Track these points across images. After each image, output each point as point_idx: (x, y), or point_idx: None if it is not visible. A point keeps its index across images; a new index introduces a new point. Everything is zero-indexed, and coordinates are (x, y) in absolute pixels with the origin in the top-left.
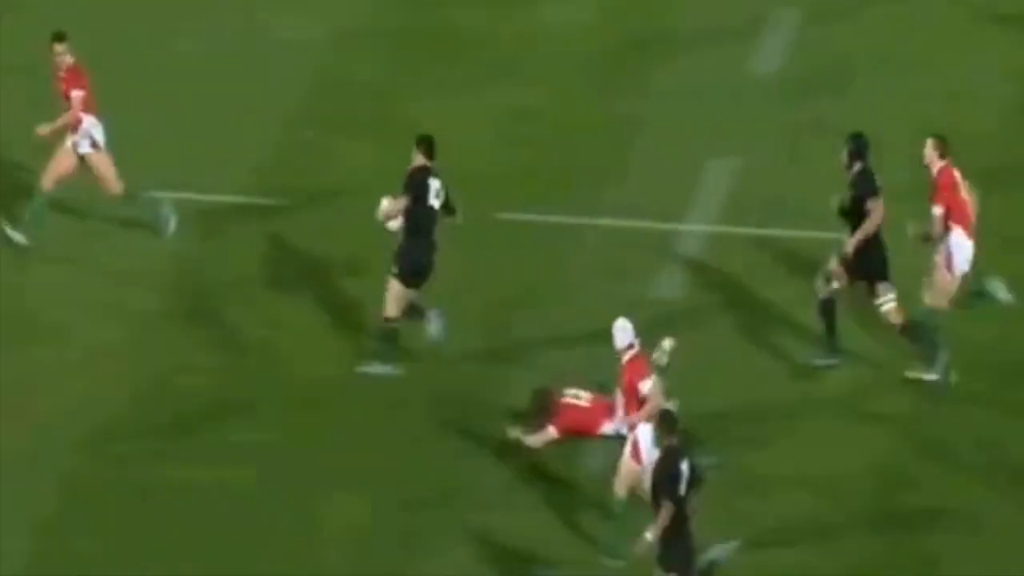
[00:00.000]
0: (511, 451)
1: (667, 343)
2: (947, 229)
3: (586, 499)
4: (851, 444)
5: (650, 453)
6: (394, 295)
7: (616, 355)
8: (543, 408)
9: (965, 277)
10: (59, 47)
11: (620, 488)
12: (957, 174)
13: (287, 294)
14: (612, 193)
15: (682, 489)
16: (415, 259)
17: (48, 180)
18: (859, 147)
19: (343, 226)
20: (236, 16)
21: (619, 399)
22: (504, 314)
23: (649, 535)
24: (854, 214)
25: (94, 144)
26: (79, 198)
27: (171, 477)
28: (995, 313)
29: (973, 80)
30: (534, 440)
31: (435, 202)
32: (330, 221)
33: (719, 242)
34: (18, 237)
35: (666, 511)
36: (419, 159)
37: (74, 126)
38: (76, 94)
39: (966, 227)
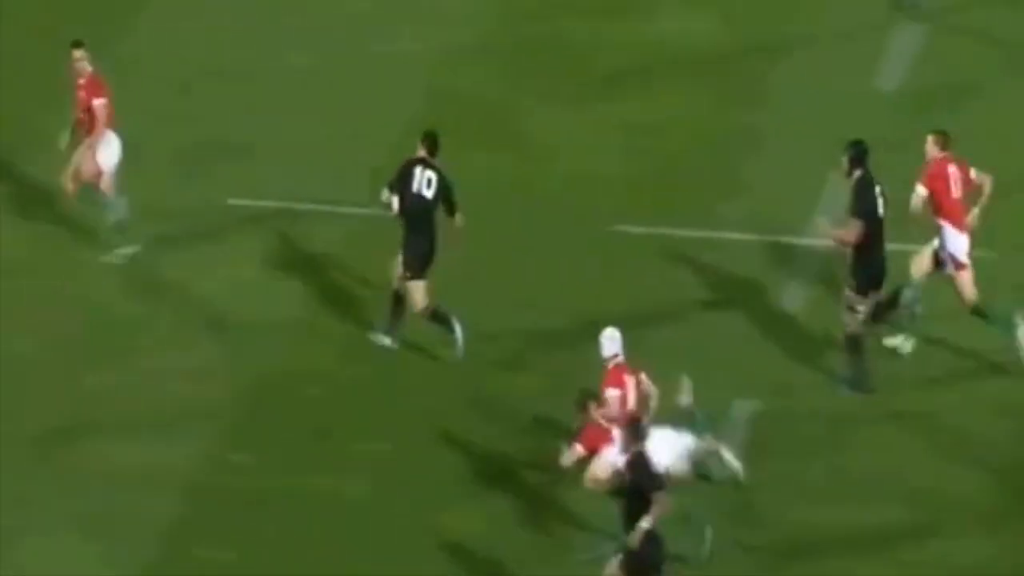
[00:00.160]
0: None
1: (686, 382)
2: (937, 222)
3: None
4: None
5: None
6: (417, 293)
7: (602, 363)
8: (581, 408)
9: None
10: (77, 53)
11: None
12: (954, 170)
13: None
14: (730, 206)
15: (654, 491)
16: (416, 251)
17: (69, 182)
18: (858, 154)
19: (463, 233)
20: (348, 30)
21: (652, 432)
22: (618, 327)
23: (645, 523)
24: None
25: (95, 152)
26: (189, 209)
27: (289, 486)
28: None
29: None
30: (564, 459)
31: (426, 192)
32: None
33: (839, 255)
34: (125, 251)
35: (662, 502)
36: (420, 150)
37: (88, 130)
38: (99, 102)
39: (955, 222)
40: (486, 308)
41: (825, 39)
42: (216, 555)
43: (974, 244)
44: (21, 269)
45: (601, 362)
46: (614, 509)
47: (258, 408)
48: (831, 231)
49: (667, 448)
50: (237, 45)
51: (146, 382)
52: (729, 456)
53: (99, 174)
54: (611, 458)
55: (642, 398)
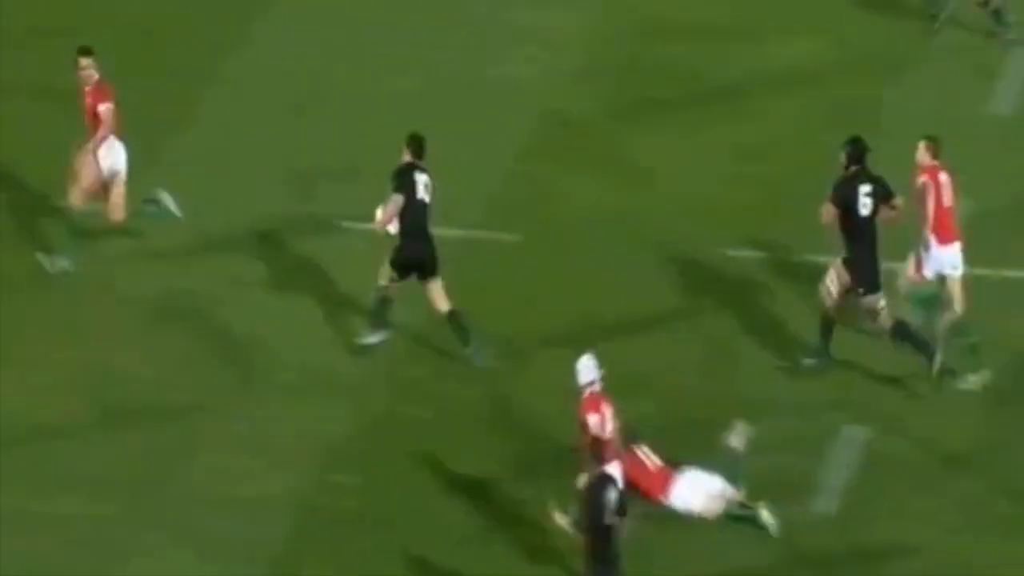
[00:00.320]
0: None
1: (741, 427)
2: (924, 231)
3: None
4: None
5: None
6: (387, 273)
7: (578, 391)
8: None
9: (952, 279)
10: (84, 61)
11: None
12: (945, 178)
13: (512, 326)
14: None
15: (607, 518)
16: (411, 255)
17: (76, 197)
18: (857, 151)
19: (566, 260)
20: (456, 54)
21: (685, 474)
22: (727, 349)
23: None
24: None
25: (111, 170)
26: (301, 231)
27: (398, 508)
28: None
29: None
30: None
31: (425, 196)
32: (552, 256)
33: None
34: (61, 264)
35: (593, 537)
36: (406, 156)
37: (99, 138)
38: (105, 107)
39: (942, 234)
40: (594, 332)
41: (938, 62)
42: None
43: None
44: (134, 292)
45: (578, 390)
46: None
47: (367, 430)
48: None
49: (699, 489)
50: (348, 67)
51: (260, 402)
52: (767, 515)
53: (100, 180)
54: (662, 499)
55: (618, 426)
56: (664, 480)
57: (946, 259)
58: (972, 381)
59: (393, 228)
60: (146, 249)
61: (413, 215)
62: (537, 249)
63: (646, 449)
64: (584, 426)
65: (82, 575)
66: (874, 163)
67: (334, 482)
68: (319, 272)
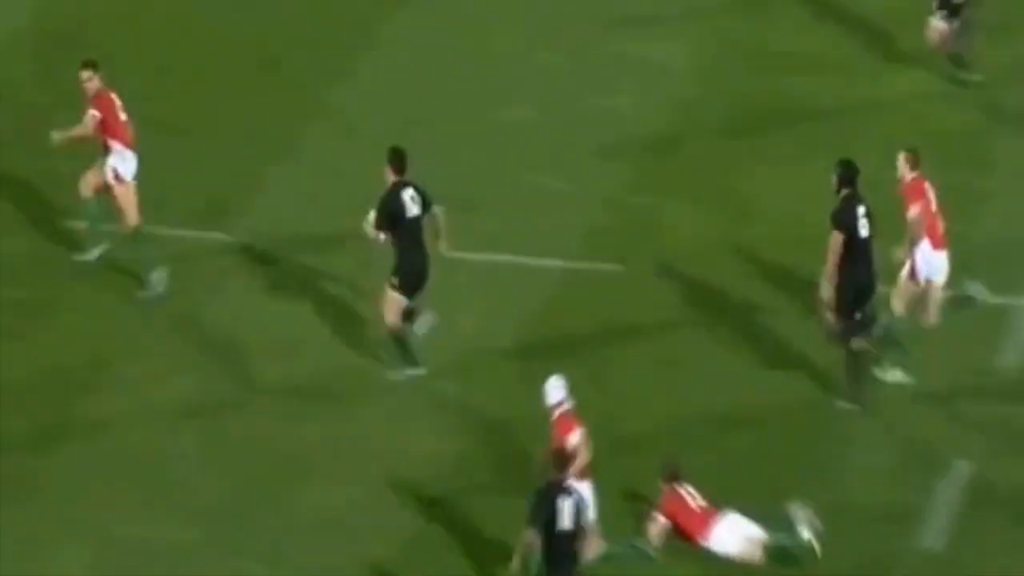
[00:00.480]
0: None
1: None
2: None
3: None
4: None
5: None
6: (393, 305)
7: (547, 412)
8: (666, 479)
9: (936, 287)
10: (84, 74)
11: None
12: (928, 187)
13: (615, 353)
14: (952, 266)
15: (562, 524)
16: (412, 271)
17: (130, 218)
18: (848, 174)
19: (669, 291)
20: (562, 84)
21: (725, 517)
22: (835, 380)
23: (515, 562)
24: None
25: (117, 176)
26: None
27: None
28: None
29: None
30: (651, 531)
31: (416, 212)
32: (655, 286)
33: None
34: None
35: (532, 540)
36: (390, 175)
37: (104, 150)
38: (91, 113)
39: (933, 239)
40: (697, 361)
41: None
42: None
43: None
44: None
45: (547, 411)
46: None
47: (479, 456)
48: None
49: (738, 533)
50: (453, 98)
51: (375, 429)
52: (805, 528)
53: (105, 187)
54: (701, 540)
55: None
56: (705, 521)
57: (937, 264)
58: (893, 375)
59: (383, 237)
60: (261, 284)
61: (410, 233)
62: (640, 279)
63: (690, 488)
64: (560, 446)
65: None
66: (987, 201)
67: (465, 483)
68: (428, 300)
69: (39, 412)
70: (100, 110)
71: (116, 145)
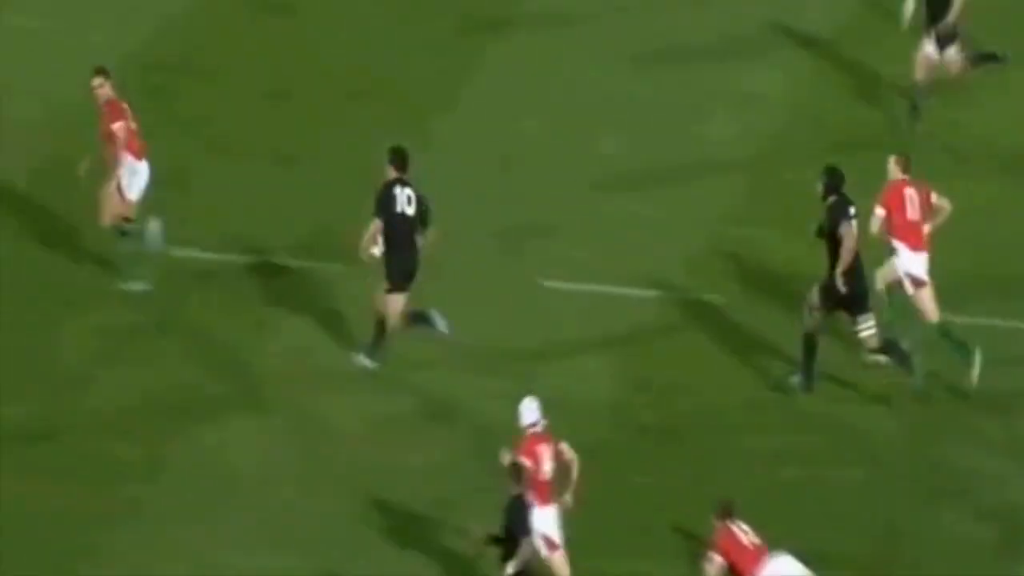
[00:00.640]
0: None
1: None
2: (890, 243)
3: None
4: None
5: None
6: (393, 307)
7: (521, 431)
8: (720, 516)
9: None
10: (96, 81)
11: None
12: (912, 192)
13: (713, 384)
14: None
15: (522, 533)
16: (400, 267)
17: (105, 219)
18: (834, 180)
19: (769, 321)
20: (660, 114)
21: (778, 557)
22: (948, 413)
23: (510, 568)
24: (831, 241)
25: (119, 188)
26: (504, 290)
27: (603, 570)
28: None
29: None
30: (709, 571)
31: (408, 210)
32: (756, 317)
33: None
34: (137, 286)
35: (527, 546)
36: (391, 172)
37: (116, 159)
38: (118, 125)
39: (910, 242)
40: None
41: None
42: None
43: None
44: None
45: (520, 430)
46: None
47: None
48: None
49: (789, 573)
50: (552, 128)
51: (466, 459)
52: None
53: (126, 205)
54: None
55: (562, 467)
56: (756, 559)
57: (915, 265)
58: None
59: (377, 250)
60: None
61: (398, 229)
62: (741, 310)
63: (743, 525)
64: (517, 466)
65: None
66: None
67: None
68: (523, 332)
69: (148, 437)
70: (121, 119)
71: (128, 156)
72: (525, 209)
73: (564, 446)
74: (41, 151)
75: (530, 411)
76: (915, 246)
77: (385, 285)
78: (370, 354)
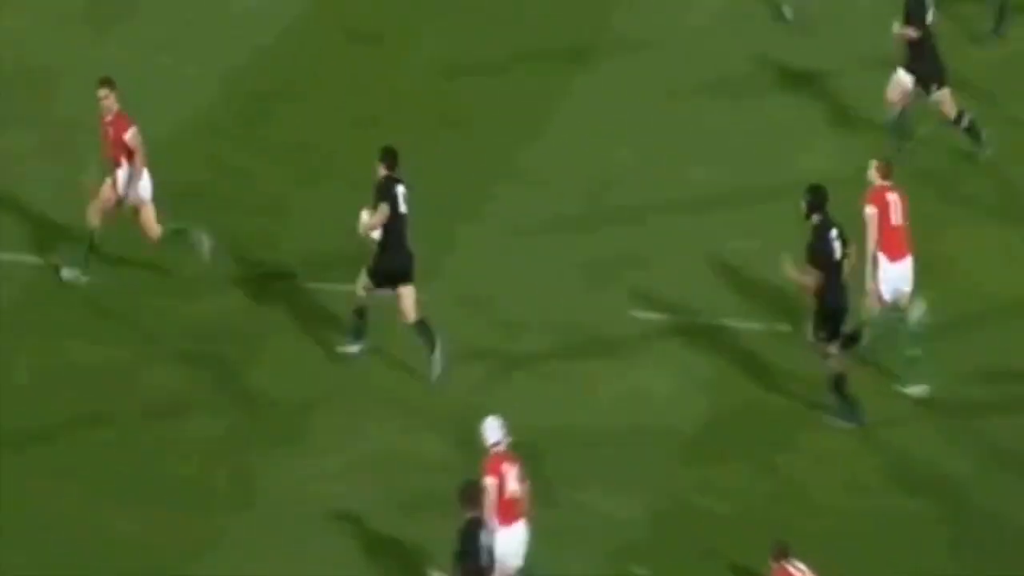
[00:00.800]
0: None
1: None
2: (873, 256)
3: None
4: None
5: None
6: (363, 284)
7: (485, 449)
8: (775, 557)
9: (905, 295)
10: (102, 91)
11: None
12: (895, 197)
13: (804, 415)
14: None
15: (484, 559)
16: (393, 266)
17: (93, 218)
18: (817, 200)
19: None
20: (751, 143)
21: None
22: None
23: None
24: (813, 261)
25: (115, 186)
26: (593, 321)
27: None
28: None
29: None
30: None
31: (404, 208)
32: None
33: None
34: (70, 274)
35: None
36: (382, 170)
37: (114, 164)
38: (131, 132)
39: (889, 253)
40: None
41: None
42: None
43: None
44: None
45: (484, 450)
46: None
47: (663, 521)
48: (795, 275)
49: None
50: (641, 157)
51: (550, 490)
52: None
53: (116, 201)
54: None
55: (526, 487)
56: None
57: (898, 275)
58: (913, 391)
59: (376, 235)
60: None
61: (397, 228)
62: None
63: (800, 564)
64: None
65: None
66: None
67: (630, 573)
68: (611, 361)
69: (239, 465)
70: (132, 125)
71: (134, 164)
72: (614, 239)
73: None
74: None
75: (494, 429)
76: (897, 255)
77: (370, 268)
78: (355, 337)
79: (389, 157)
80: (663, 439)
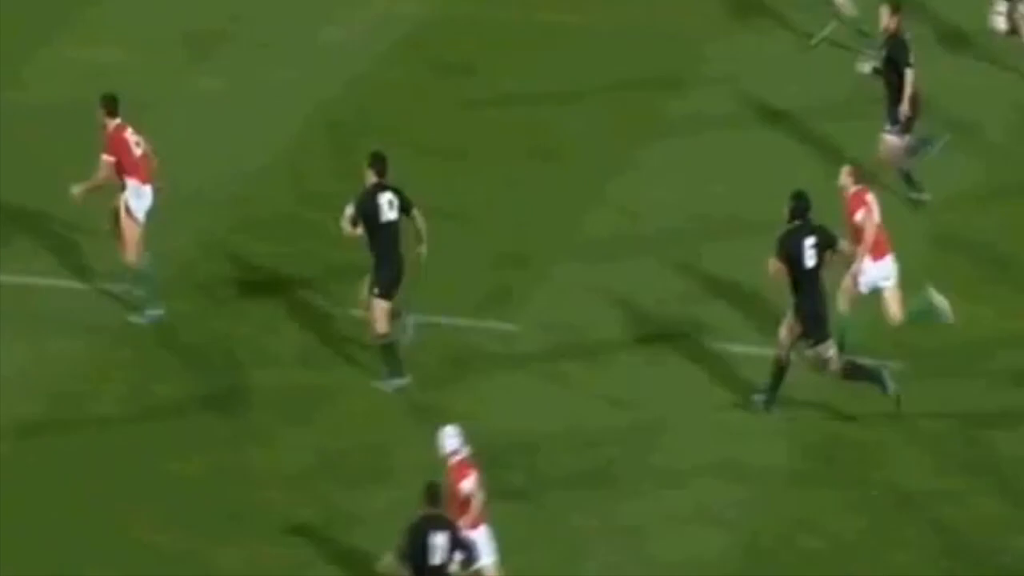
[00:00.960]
0: None
1: None
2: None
3: None
4: None
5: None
6: (379, 313)
7: (443, 459)
8: None
9: (889, 288)
10: (102, 112)
11: None
12: (871, 199)
13: (898, 462)
14: None
15: (434, 558)
16: (388, 275)
17: (129, 254)
18: (800, 206)
19: (950, 387)
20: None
21: None
22: None
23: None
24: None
25: (128, 210)
26: (684, 351)
27: None
28: None
29: None
30: None
31: (391, 215)
32: (937, 382)
33: None
34: (139, 319)
35: (398, 571)
36: (371, 177)
37: (121, 186)
38: (103, 158)
39: (874, 251)
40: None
41: None
42: None
43: None
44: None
45: (442, 459)
46: None
47: (757, 557)
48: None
49: None
50: (735, 193)
51: (649, 521)
52: None
53: (139, 229)
54: None
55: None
56: None
57: (879, 273)
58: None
59: (360, 231)
60: (542, 374)
61: (383, 237)
62: (921, 375)
63: None
64: (457, 492)
65: None
66: None
67: None
68: (704, 395)
69: (324, 497)
70: (114, 150)
71: (131, 181)
72: (712, 273)
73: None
74: (232, 214)
75: (452, 438)
76: (879, 254)
77: (375, 291)
78: (392, 376)
79: (378, 163)
80: (750, 471)
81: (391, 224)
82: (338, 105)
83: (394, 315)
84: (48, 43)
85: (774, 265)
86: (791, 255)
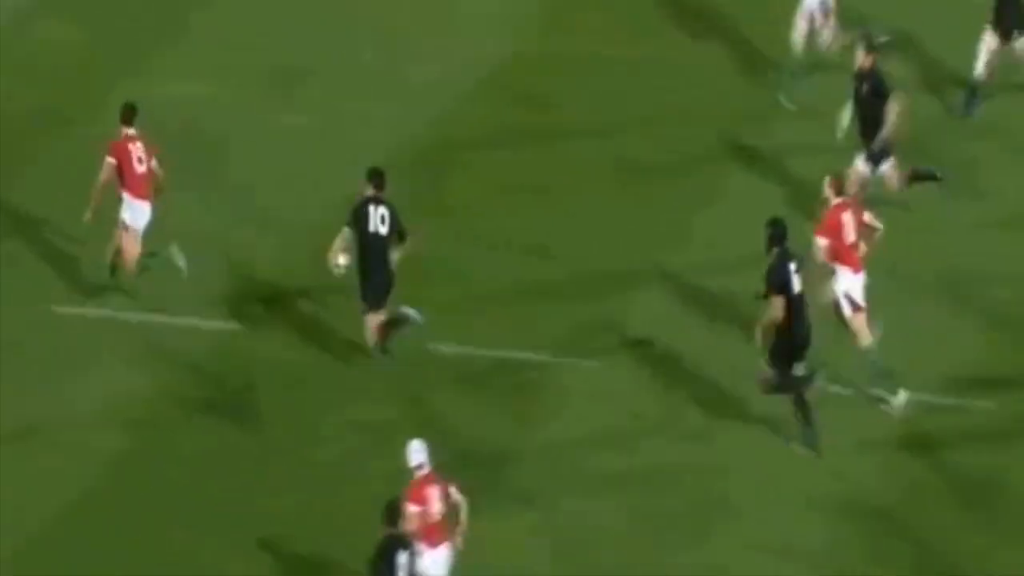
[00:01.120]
0: None
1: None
2: (833, 266)
3: None
4: None
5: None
6: (370, 324)
7: (409, 473)
8: None
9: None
10: (120, 118)
11: None
12: (849, 216)
13: (980, 502)
14: None
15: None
16: (374, 286)
17: (128, 266)
18: (778, 233)
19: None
20: (932, 212)
21: None
22: None
23: None
24: (770, 290)
25: (125, 226)
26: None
27: None
28: None
29: None
30: None
31: (381, 229)
32: (1009, 426)
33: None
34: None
35: None
36: (367, 189)
37: (118, 199)
38: (107, 160)
39: (852, 264)
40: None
41: None
42: None
43: None
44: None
45: (408, 474)
46: None
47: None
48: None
49: None
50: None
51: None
52: None
53: (138, 241)
54: None
55: (451, 509)
56: None
57: (854, 286)
58: (895, 405)
59: (344, 260)
60: (624, 410)
61: (370, 248)
62: (1008, 418)
63: None
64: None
65: None
66: None
67: None
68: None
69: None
70: (117, 156)
71: (127, 195)
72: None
73: (453, 488)
74: (319, 246)
75: (417, 452)
76: (857, 267)
77: (362, 307)
78: (382, 352)
79: (376, 177)
80: (836, 508)
81: (379, 238)
82: (421, 141)
83: (395, 323)
84: (136, 76)
85: (777, 305)
86: (783, 284)
